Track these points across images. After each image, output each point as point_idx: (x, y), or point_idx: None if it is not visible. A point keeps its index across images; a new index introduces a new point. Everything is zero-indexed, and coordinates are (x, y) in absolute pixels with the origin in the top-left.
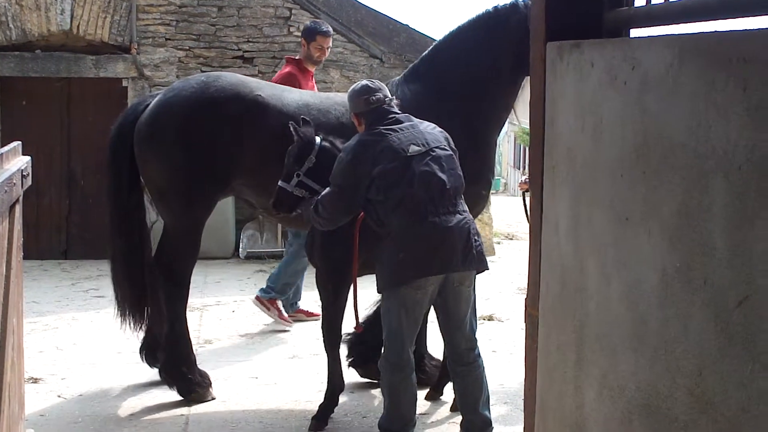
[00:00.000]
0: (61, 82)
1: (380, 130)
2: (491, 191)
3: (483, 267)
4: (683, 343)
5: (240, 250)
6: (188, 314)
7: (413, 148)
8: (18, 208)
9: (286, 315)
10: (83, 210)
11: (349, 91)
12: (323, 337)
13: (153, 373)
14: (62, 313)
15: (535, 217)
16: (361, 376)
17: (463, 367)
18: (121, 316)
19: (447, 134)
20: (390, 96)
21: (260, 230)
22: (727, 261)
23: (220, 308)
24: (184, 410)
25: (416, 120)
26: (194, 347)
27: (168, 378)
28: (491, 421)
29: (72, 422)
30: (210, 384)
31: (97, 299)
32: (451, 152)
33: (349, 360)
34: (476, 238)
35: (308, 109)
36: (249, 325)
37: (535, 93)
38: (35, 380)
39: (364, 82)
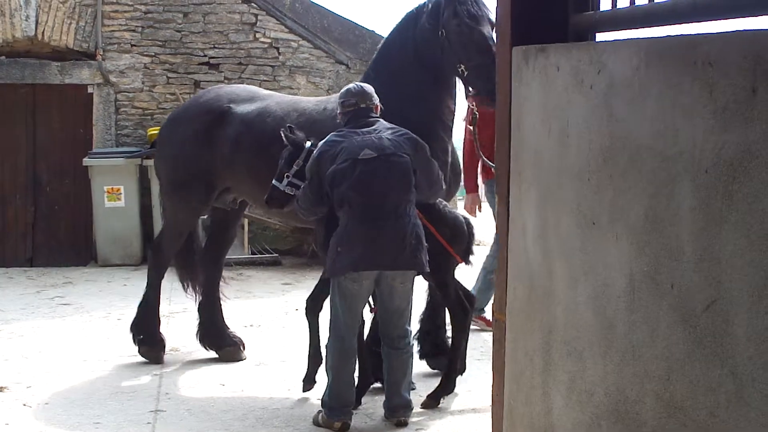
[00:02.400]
0: (26, 89)
1: (345, 132)
2: (459, 197)
3: (418, 269)
4: (651, 348)
5: None
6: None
7: (365, 152)
8: None
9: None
10: (49, 217)
11: None
12: (306, 303)
13: (118, 382)
14: (27, 320)
15: (502, 222)
16: (431, 368)
17: (393, 350)
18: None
19: (418, 141)
20: (369, 102)
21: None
22: (694, 265)
23: (187, 315)
24: (149, 418)
25: (386, 126)
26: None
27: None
28: (411, 403)
29: (37, 431)
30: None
31: (63, 307)
32: (408, 160)
33: (420, 352)
34: (413, 241)
35: (262, 117)
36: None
37: (501, 97)
38: (0, 389)
39: (350, 85)
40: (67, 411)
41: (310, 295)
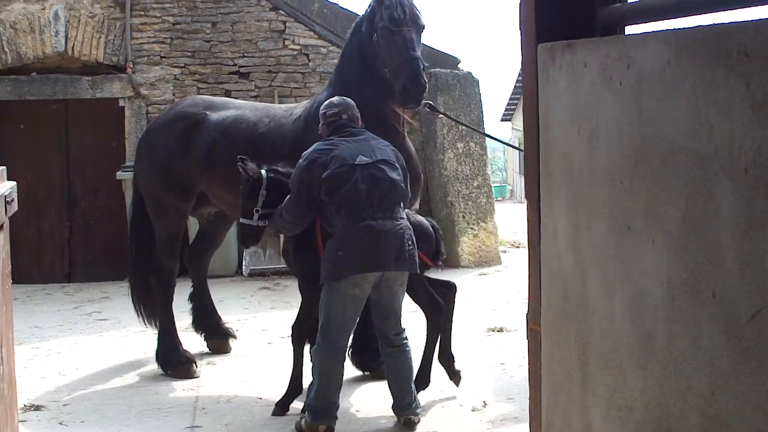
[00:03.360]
0: (58, 104)
1: (334, 140)
2: (497, 198)
3: (413, 269)
4: (693, 361)
5: (243, 267)
6: (192, 335)
7: (361, 158)
8: (2, 235)
9: None
10: (85, 232)
11: None
12: (293, 332)
13: (155, 398)
14: (65, 337)
15: (533, 228)
16: (354, 365)
17: (393, 349)
18: None
19: (398, 153)
20: (351, 114)
21: (263, 247)
22: (736, 271)
23: (227, 326)
24: None
25: (371, 135)
26: (198, 367)
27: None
28: (417, 398)
29: None
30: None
31: (100, 322)
32: (397, 167)
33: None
34: (410, 243)
35: (237, 123)
36: (253, 344)
37: (527, 98)
38: (37, 408)
39: (332, 98)
40: (104, 429)
41: (295, 323)
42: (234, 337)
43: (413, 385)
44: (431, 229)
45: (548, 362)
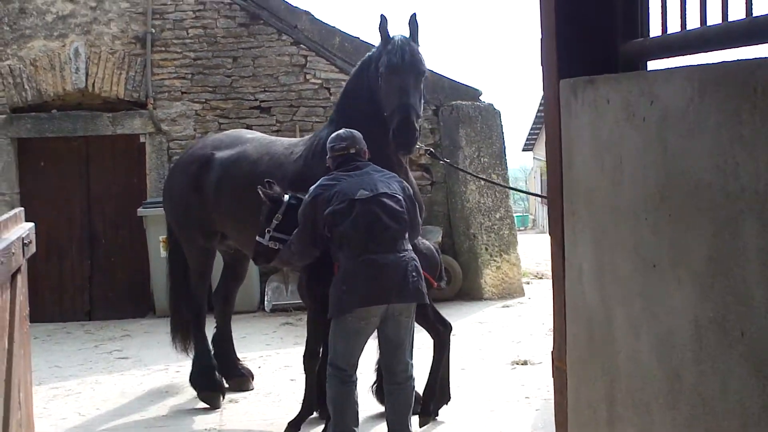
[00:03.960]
0: (79, 141)
1: (337, 175)
2: (519, 228)
3: (420, 300)
4: (723, 401)
5: (265, 303)
6: None
7: (361, 192)
8: (20, 278)
9: None
10: (106, 269)
11: None
12: (303, 360)
13: None
14: (85, 376)
15: (557, 264)
16: (378, 400)
17: (396, 386)
18: None
19: (405, 185)
20: (359, 147)
21: (285, 282)
22: (766, 311)
23: (246, 364)
24: None
25: (375, 168)
26: (224, 399)
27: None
28: None
29: None
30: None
31: (121, 361)
32: (401, 199)
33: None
34: (414, 274)
35: (239, 161)
36: (276, 381)
37: (550, 133)
38: None
39: (339, 131)
40: None
41: (305, 352)
42: (252, 376)
43: (410, 422)
44: (436, 254)
45: (574, 400)
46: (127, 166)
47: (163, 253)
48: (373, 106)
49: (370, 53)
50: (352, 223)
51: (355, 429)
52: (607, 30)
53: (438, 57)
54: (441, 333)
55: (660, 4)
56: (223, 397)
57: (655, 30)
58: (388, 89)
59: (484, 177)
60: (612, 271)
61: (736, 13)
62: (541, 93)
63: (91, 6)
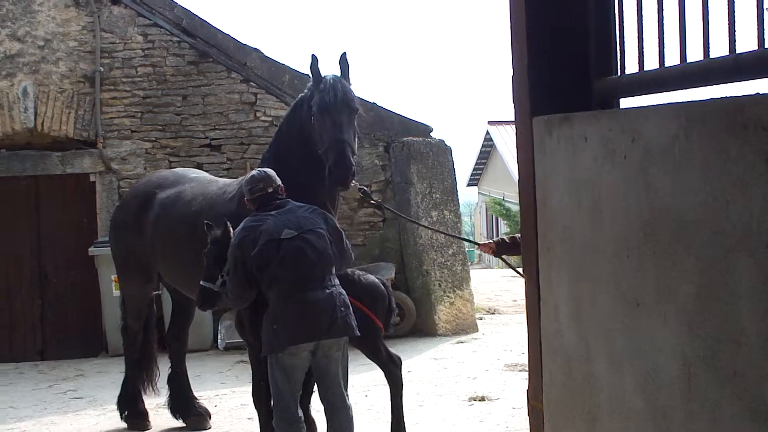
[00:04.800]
0: (28, 181)
1: (260, 216)
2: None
3: (349, 334)
4: None
5: (219, 341)
6: (168, 412)
7: (286, 232)
8: None
9: None
10: (57, 309)
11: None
12: (253, 398)
13: None
14: (40, 417)
15: (532, 301)
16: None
17: (334, 416)
18: None
19: (327, 215)
20: (275, 185)
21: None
22: (759, 349)
23: (202, 403)
24: None
25: (296, 205)
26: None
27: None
28: None
29: None
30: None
31: (76, 401)
32: (325, 233)
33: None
34: (342, 309)
35: (176, 201)
36: (233, 420)
37: (523, 171)
38: None
39: (253, 172)
40: None
41: (253, 389)
42: (209, 415)
43: None
44: (383, 287)
45: None
46: (77, 206)
47: (116, 292)
48: (306, 145)
49: (302, 94)
50: (280, 263)
51: None
52: (581, 67)
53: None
54: (393, 372)
55: (636, 41)
56: (149, 421)
57: (630, 67)
58: (322, 127)
59: (413, 220)
60: (591, 308)
61: (718, 50)
62: (485, 127)
63: (39, 45)
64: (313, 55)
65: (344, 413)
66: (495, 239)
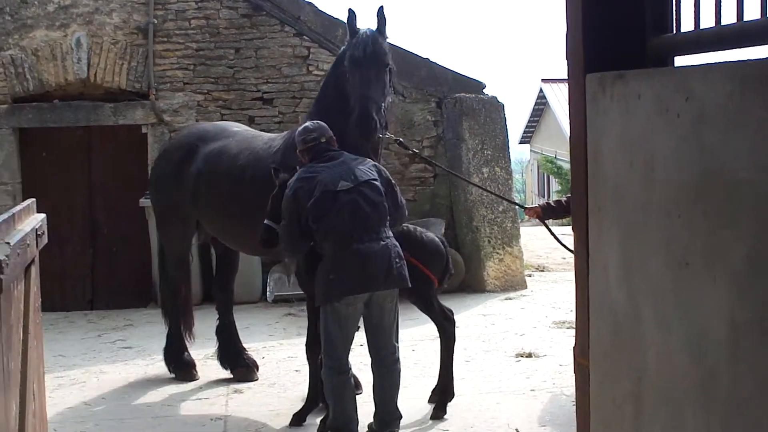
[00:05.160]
0: (81, 131)
1: (314, 167)
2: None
3: (404, 285)
4: (761, 402)
5: (267, 293)
6: (216, 363)
7: (342, 183)
8: (34, 269)
9: None
10: (108, 259)
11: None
12: (306, 349)
13: (182, 428)
14: (89, 366)
15: (581, 260)
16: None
17: (384, 369)
18: None
19: (381, 168)
20: (328, 136)
21: (287, 273)
22: None
23: (250, 354)
24: None
25: (350, 157)
26: (224, 396)
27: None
28: (401, 414)
29: None
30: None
31: (125, 350)
32: (380, 185)
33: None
34: (397, 260)
35: (221, 155)
36: (280, 372)
37: (575, 128)
38: None
39: (306, 124)
40: None
41: (307, 341)
42: (257, 367)
43: (397, 405)
44: (442, 246)
45: (597, 397)
46: (128, 157)
47: None
48: (345, 99)
49: (343, 47)
50: (336, 214)
51: (355, 416)
52: (636, 24)
53: (438, 49)
54: (446, 327)
55: None
56: (195, 370)
57: (686, 25)
58: (353, 82)
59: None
60: (641, 268)
61: None
62: (539, 85)
63: None
64: (350, 10)
65: (393, 366)
66: (541, 203)
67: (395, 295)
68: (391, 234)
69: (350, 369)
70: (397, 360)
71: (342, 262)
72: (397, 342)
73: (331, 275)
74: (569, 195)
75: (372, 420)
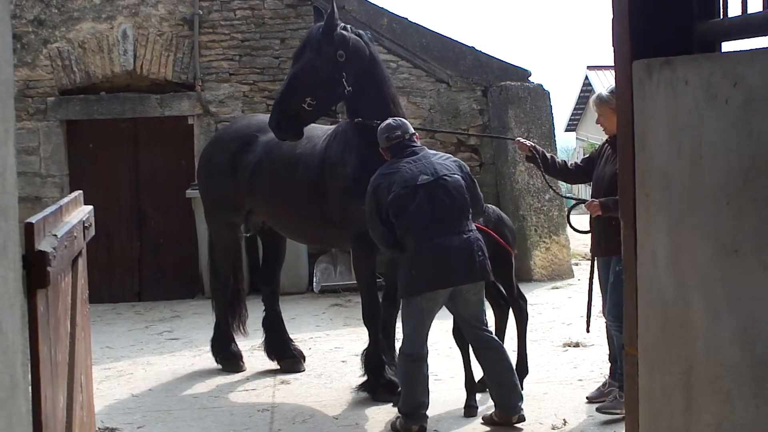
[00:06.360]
0: (127, 123)
1: (396, 163)
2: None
3: (486, 278)
4: None
5: (314, 284)
6: (263, 354)
7: (422, 177)
8: (81, 261)
9: None
10: (155, 250)
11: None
12: (454, 335)
13: (229, 419)
14: (137, 357)
15: (629, 248)
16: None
17: (485, 350)
18: None
19: (461, 163)
20: (411, 132)
21: (334, 263)
22: None
23: (297, 345)
24: None
25: (431, 152)
26: (271, 387)
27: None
28: (521, 394)
29: None
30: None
31: (172, 342)
32: (460, 179)
33: None
34: (480, 254)
35: (280, 145)
36: (327, 363)
37: (622, 115)
38: (111, 430)
39: (388, 121)
40: None
41: (453, 327)
42: (303, 358)
43: (516, 381)
44: (508, 218)
45: (647, 387)
46: (175, 148)
47: None
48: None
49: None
50: (417, 208)
51: (426, 402)
52: (682, 10)
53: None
54: (522, 308)
55: None
56: (242, 362)
57: (733, 10)
58: None
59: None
60: (689, 255)
61: None
62: (584, 72)
63: None
64: (315, 7)
65: (491, 353)
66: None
67: (480, 287)
68: (473, 227)
69: (426, 356)
70: (493, 346)
71: (422, 257)
72: (486, 324)
73: (412, 270)
74: (576, 162)
75: (394, 419)
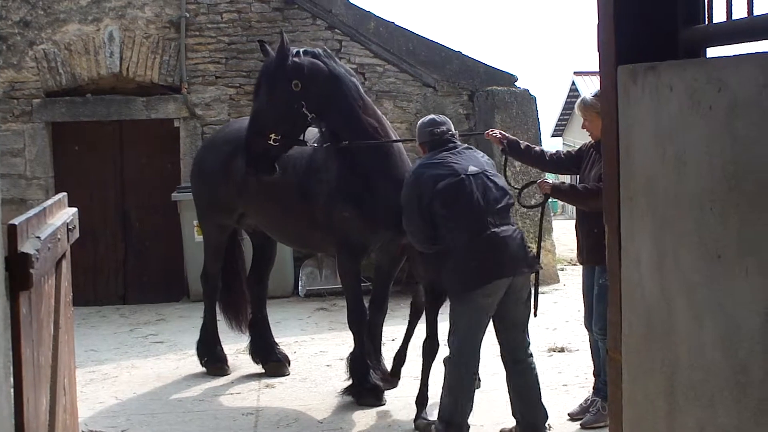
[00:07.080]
0: (113, 125)
1: (439, 155)
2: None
3: (538, 268)
4: None
5: (299, 288)
6: (248, 357)
7: (472, 169)
8: (65, 264)
9: None
10: (140, 253)
11: (418, 123)
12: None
13: (214, 423)
14: (121, 360)
15: (613, 253)
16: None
17: (519, 364)
18: None
19: (492, 162)
20: (453, 130)
21: (319, 267)
22: None
23: (282, 349)
24: None
25: (466, 146)
26: (256, 391)
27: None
28: (546, 413)
29: None
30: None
31: (157, 345)
32: (499, 175)
33: None
34: (527, 245)
35: None
36: (312, 367)
37: (606, 120)
38: None
39: (431, 116)
40: None
41: (425, 338)
42: (288, 362)
43: (543, 404)
44: None
45: (630, 392)
46: (161, 151)
47: (198, 238)
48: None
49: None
50: (469, 198)
51: (468, 414)
52: (667, 16)
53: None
54: None
55: None
56: (227, 365)
57: (718, 16)
58: None
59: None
60: (673, 260)
61: None
62: (571, 77)
63: None
64: (260, 41)
65: (531, 370)
66: (512, 139)
67: (529, 285)
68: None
69: (477, 369)
70: (531, 354)
71: (479, 247)
72: (528, 336)
73: (472, 262)
74: (560, 152)
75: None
